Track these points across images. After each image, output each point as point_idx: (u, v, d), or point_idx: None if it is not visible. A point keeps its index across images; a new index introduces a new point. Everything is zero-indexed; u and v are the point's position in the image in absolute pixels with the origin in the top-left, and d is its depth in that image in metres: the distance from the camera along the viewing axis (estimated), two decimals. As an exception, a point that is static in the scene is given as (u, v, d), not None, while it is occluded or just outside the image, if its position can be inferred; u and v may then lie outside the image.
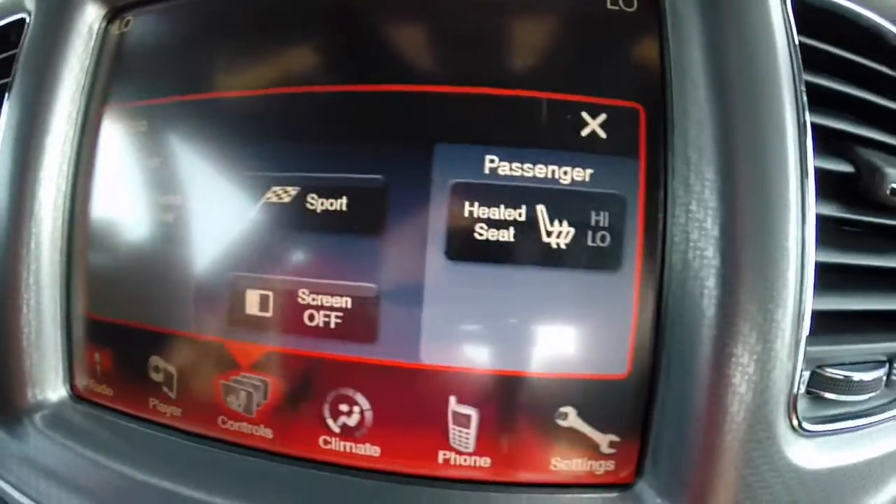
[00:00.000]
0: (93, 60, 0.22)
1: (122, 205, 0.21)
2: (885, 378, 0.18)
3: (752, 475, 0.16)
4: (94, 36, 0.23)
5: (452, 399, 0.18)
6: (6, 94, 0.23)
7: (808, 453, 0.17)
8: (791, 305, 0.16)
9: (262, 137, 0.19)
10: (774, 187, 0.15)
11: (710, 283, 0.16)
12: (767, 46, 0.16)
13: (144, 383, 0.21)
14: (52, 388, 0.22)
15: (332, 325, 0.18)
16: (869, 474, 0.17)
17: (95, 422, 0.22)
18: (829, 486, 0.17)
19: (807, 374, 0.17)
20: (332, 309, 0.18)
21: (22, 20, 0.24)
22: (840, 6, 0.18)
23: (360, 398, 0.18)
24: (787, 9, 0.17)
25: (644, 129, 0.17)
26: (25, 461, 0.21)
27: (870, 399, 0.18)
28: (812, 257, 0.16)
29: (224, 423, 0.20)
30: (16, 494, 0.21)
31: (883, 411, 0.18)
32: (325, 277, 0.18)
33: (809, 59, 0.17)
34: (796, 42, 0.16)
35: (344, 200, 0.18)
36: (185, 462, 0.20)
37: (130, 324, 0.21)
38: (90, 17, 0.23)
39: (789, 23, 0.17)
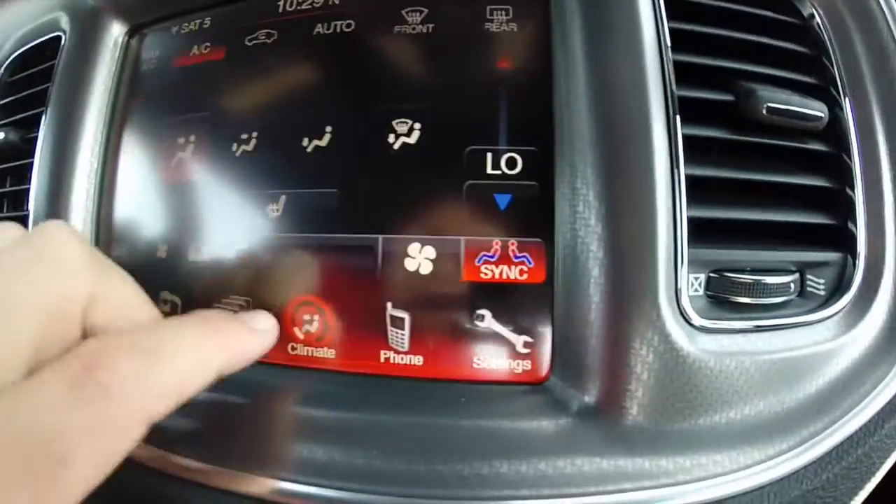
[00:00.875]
0: (118, 69, 0.29)
1: (142, 196, 0.27)
2: (796, 284, 0.20)
3: (645, 365, 0.18)
4: (119, 49, 0.29)
5: (389, 304, 0.21)
6: (47, 97, 0.29)
7: (701, 345, 0.18)
8: (664, 213, 0.18)
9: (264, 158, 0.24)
10: (637, 113, 0.19)
11: (593, 201, 0.19)
12: (636, 36, 0.19)
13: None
14: None
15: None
16: (768, 374, 0.19)
17: None
18: (728, 379, 0.18)
19: (701, 276, 0.20)
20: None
21: (58, 37, 0.30)
22: None
23: (317, 307, 0.22)
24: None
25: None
26: None
27: (783, 305, 0.20)
28: (681, 169, 0.19)
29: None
30: None
31: (792, 315, 0.19)
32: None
33: (693, 14, 0.20)
34: (666, 24, 0.19)
35: None
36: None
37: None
38: (115, 33, 0.29)
39: (659, 5, 0.21)
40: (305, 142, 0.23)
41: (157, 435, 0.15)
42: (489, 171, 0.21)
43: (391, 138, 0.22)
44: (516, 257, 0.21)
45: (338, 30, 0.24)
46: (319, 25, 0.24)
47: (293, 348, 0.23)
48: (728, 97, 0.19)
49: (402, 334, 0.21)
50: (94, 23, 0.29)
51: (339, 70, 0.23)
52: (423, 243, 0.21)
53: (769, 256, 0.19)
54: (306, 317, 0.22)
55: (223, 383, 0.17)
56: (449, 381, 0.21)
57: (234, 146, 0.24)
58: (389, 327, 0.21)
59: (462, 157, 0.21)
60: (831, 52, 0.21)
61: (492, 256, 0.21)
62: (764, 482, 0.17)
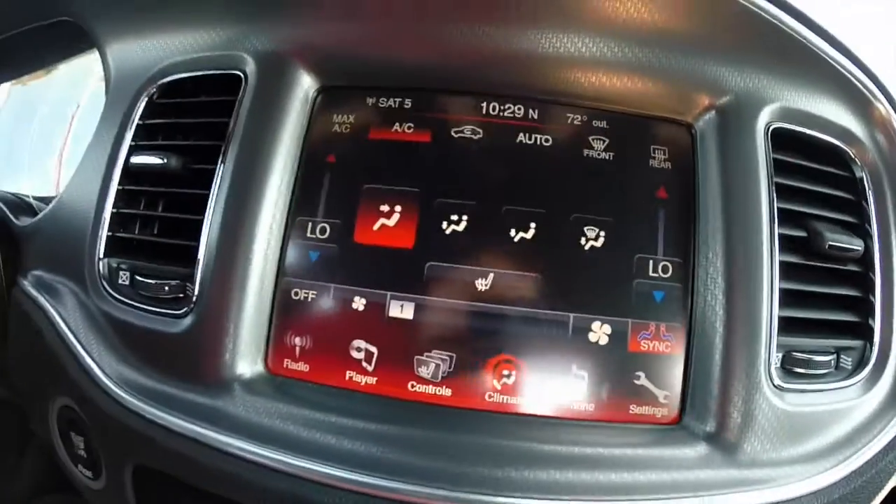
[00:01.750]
0: (307, 123, 0.30)
1: (331, 252, 0.30)
2: (834, 362, 0.30)
3: (749, 410, 0.27)
4: (308, 103, 0.31)
5: (573, 366, 0.28)
6: (229, 133, 0.30)
7: (780, 398, 0.28)
8: (765, 313, 0.28)
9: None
10: (756, 252, 0.28)
11: (720, 299, 0.28)
12: (755, 179, 0.29)
13: (345, 360, 0.29)
14: (250, 363, 0.29)
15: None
16: (818, 421, 0.29)
17: (288, 390, 0.29)
18: (795, 422, 0.28)
19: (780, 355, 0.29)
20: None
21: (235, 76, 0.31)
22: (802, 133, 0.31)
23: (517, 366, 0.28)
24: (768, 148, 0.29)
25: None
26: (226, 417, 0.28)
27: (826, 374, 0.29)
28: (778, 286, 0.28)
29: (413, 387, 0.28)
30: (220, 438, 0.27)
31: (832, 381, 0.29)
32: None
33: (785, 168, 0.30)
34: (773, 179, 0.29)
35: None
36: (379, 420, 0.28)
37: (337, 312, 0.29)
38: (305, 87, 0.31)
39: (770, 160, 0.29)
40: (513, 232, 0.29)
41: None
42: (650, 273, 0.29)
43: (583, 240, 0.29)
44: (664, 336, 0.29)
45: (538, 142, 0.30)
46: (522, 134, 0.30)
47: (490, 396, 0.28)
48: (803, 233, 0.30)
49: (582, 389, 0.28)
50: (283, 71, 0.31)
51: (541, 176, 0.29)
52: (603, 322, 0.28)
53: (819, 343, 0.30)
54: (505, 372, 0.28)
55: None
56: (613, 423, 0.28)
57: (444, 224, 0.29)
58: (572, 382, 0.28)
59: (632, 262, 0.29)
60: (868, 199, 0.31)
61: (648, 335, 0.29)
62: (817, 488, 0.28)
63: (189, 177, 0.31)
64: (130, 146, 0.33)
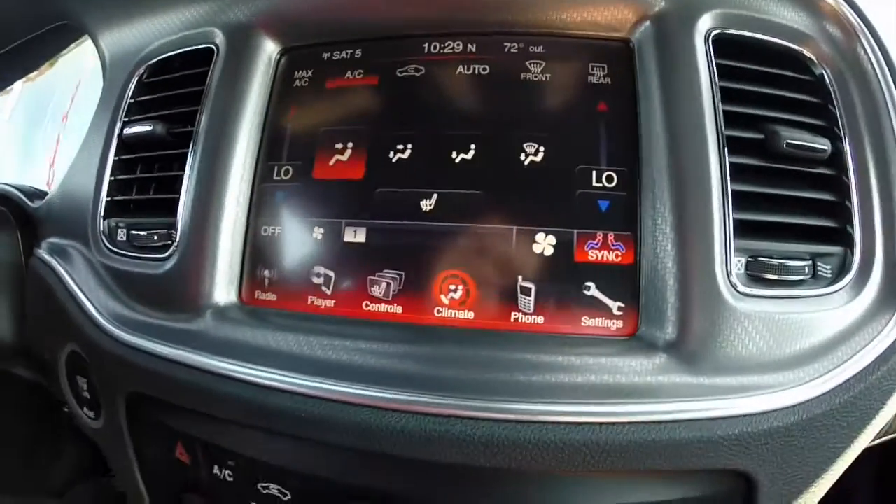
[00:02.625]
0: (271, 81, 0.34)
1: (297, 189, 0.32)
2: (810, 268, 0.27)
3: (708, 319, 0.26)
4: (272, 65, 0.34)
5: (519, 278, 0.29)
6: (204, 100, 0.34)
7: (744, 304, 0.26)
8: (717, 214, 0.27)
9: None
10: (701, 154, 0.27)
11: (668, 205, 0.28)
12: (695, 85, 0.28)
13: (306, 286, 0.31)
14: (224, 295, 0.32)
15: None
16: (792, 329, 0.27)
17: (257, 316, 0.32)
18: (764, 329, 0.26)
19: (742, 260, 0.27)
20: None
21: (208, 49, 0.35)
22: (749, 37, 0.30)
23: (462, 281, 0.29)
24: (710, 54, 0.29)
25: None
26: (199, 338, 0.31)
27: (802, 282, 0.27)
28: (730, 187, 0.27)
29: (367, 306, 0.30)
30: (194, 357, 0.30)
31: (809, 289, 0.27)
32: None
33: (736, 73, 0.29)
34: (717, 84, 0.28)
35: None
36: (335, 336, 0.29)
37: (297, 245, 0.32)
38: (269, 51, 0.34)
39: (713, 67, 0.29)
40: (454, 154, 0.30)
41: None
42: (594, 183, 0.29)
43: (522, 156, 0.30)
44: (613, 245, 0.29)
45: (476, 72, 0.31)
46: (461, 66, 0.32)
47: (439, 311, 0.29)
48: (759, 135, 0.29)
49: (529, 300, 0.29)
50: (248, 40, 0.35)
51: (479, 102, 0.31)
52: (547, 233, 0.29)
53: (789, 248, 0.28)
54: (452, 287, 0.29)
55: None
56: (564, 335, 0.28)
57: (391, 154, 0.31)
58: (519, 295, 0.29)
59: (574, 173, 0.29)
60: (835, 101, 0.29)
61: (596, 244, 0.29)
62: (794, 402, 0.25)
63: (172, 140, 0.36)
64: (123, 121, 0.38)
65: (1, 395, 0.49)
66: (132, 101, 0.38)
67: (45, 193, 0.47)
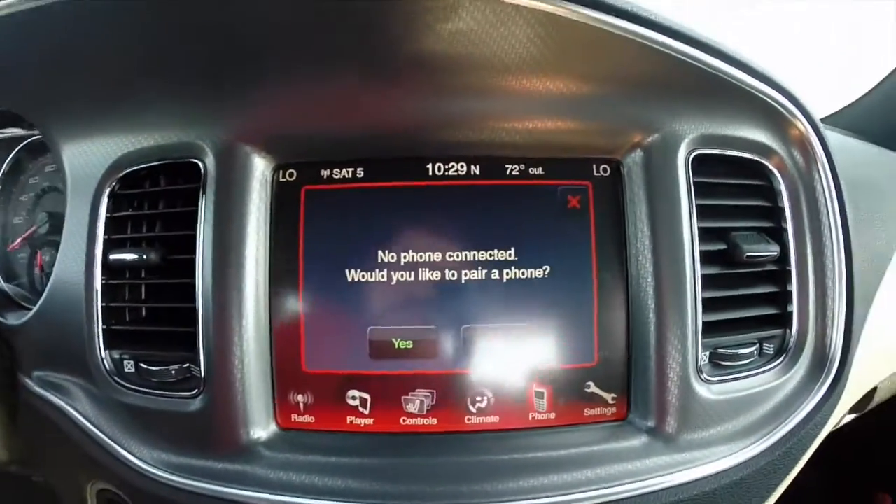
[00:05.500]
0: (268, 201, 0.34)
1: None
2: (757, 350, 0.35)
3: (682, 404, 0.33)
4: (268, 184, 0.34)
5: (533, 385, 0.34)
6: (199, 221, 0.32)
7: (707, 390, 0.33)
8: (690, 321, 0.33)
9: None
10: (681, 270, 0.33)
11: (652, 312, 0.34)
12: (678, 207, 0.33)
13: (342, 408, 0.34)
14: (263, 426, 0.34)
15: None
16: (742, 404, 0.35)
17: (300, 441, 0.34)
18: (721, 408, 0.34)
19: (707, 353, 0.34)
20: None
21: (194, 164, 0.33)
22: (722, 155, 0.35)
23: (488, 392, 0.34)
24: (689, 175, 0.33)
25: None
26: (253, 476, 0.32)
27: (750, 363, 0.35)
28: (700, 297, 0.33)
29: (404, 421, 0.34)
30: (252, 494, 0.32)
31: (754, 369, 0.35)
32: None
33: (706, 189, 0.34)
34: (694, 204, 0.33)
35: None
36: (376, 448, 0.33)
37: (331, 372, 0.34)
38: (262, 167, 0.33)
39: (691, 186, 0.33)
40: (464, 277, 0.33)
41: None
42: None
43: (540, 273, 0.34)
44: (607, 348, 0.35)
45: (479, 192, 0.34)
46: (467, 189, 0.34)
47: (469, 420, 0.34)
48: (723, 246, 0.35)
49: (542, 402, 0.34)
50: (238, 158, 0.33)
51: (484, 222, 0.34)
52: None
53: (740, 338, 0.36)
54: (478, 398, 0.34)
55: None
56: (572, 426, 0.35)
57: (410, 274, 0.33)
58: (535, 399, 0.34)
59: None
60: (787, 207, 0.36)
61: (594, 350, 0.35)
62: (743, 459, 0.34)
63: (167, 266, 0.34)
64: (104, 240, 0.35)
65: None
66: (108, 216, 0.35)
67: (12, 298, 0.42)
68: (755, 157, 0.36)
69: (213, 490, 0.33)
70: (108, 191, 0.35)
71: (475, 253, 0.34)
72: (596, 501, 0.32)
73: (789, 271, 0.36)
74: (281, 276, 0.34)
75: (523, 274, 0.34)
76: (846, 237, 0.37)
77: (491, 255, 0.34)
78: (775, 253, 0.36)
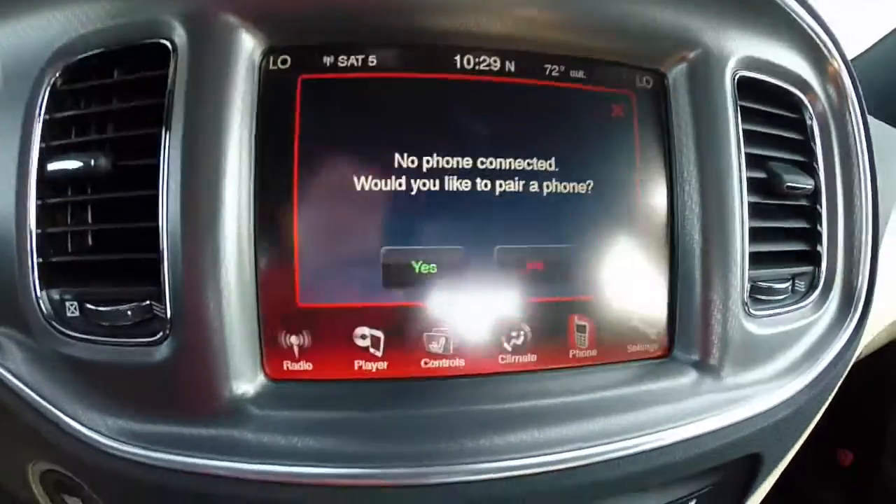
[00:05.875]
0: (255, 92, 0.26)
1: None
2: (790, 287, 0.34)
3: (727, 337, 0.30)
4: (255, 69, 0.27)
5: (574, 317, 0.29)
6: (167, 119, 0.25)
7: (752, 324, 0.31)
8: (739, 250, 0.30)
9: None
10: (728, 195, 0.30)
11: (697, 243, 0.31)
12: (726, 128, 0.30)
13: (349, 349, 0.27)
14: (249, 378, 0.27)
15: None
16: (782, 340, 0.33)
17: (296, 394, 0.27)
18: (764, 343, 0.32)
19: (749, 286, 0.32)
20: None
21: (161, 46, 0.26)
22: (765, 81, 0.33)
23: (524, 327, 0.29)
24: (735, 96, 0.31)
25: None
26: (241, 445, 0.25)
27: (784, 298, 0.34)
28: (747, 225, 0.30)
29: (426, 364, 0.28)
30: (235, 466, 0.25)
31: (789, 305, 0.34)
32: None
33: (748, 113, 0.32)
34: (740, 126, 0.31)
35: None
36: (390, 399, 0.27)
37: (334, 305, 0.27)
38: (249, 49, 0.26)
39: (737, 109, 0.31)
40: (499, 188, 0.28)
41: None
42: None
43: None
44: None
45: (513, 91, 0.29)
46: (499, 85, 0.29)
47: (503, 359, 0.29)
48: (763, 175, 0.33)
49: (584, 337, 0.30)
50: (220, 35, 0.26)
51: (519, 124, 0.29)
52: (600, 272, 0.30)
53: (777, 272, 0.34)
54: (513, 333, 0.29)
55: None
56: (616, 363, 0.30)
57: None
58: (576, 333, 0.30)
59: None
60: (819, 143, 0.35)
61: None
62: (788, 397, 0.32)
63: (121, 175, 0.26)
64: (41, 148, 0.26)
65: None
66: (47, 118, 0.26)
67: None
68: (794, 90, 0.35)
69: (187, 463, 0.25)
70: (47, 84, 0.26)
71: (511, 161, 0.28)
72: (643, 447, 0.28)
73: (820, 208, 0.35)
74: (270, 185, 0.27)
75: (565, 188, 0.29)
76: (873, 176, 0.36)
77: (529, 164, 0.29)
78: (811, 186, 0.34)
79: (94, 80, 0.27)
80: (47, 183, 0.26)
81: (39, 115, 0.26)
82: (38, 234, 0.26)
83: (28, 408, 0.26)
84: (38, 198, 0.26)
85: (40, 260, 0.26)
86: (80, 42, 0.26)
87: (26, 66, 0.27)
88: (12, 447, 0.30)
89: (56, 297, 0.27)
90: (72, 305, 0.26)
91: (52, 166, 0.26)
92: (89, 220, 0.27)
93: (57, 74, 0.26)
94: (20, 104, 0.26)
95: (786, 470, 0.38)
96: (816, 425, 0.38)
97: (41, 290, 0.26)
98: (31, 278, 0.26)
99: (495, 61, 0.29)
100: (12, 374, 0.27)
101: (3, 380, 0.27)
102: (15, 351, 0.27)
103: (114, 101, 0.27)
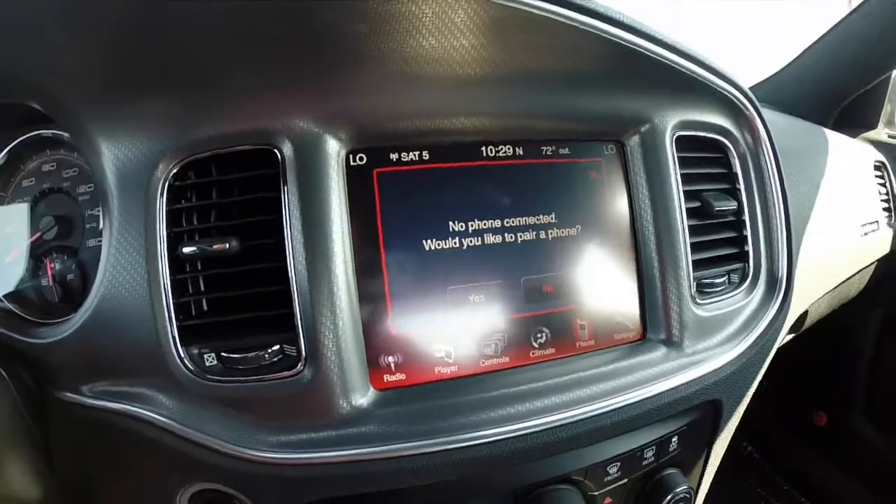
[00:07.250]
0: (344, 182, 0.36)
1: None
2: (727, 280, 0.47)
3: (681, 320, 0.44)
4: (342, 166, 0.36)
5: (577, 320, 0.43)
6: (286, 206, 0.34)
7: (700, 310, 0.45)
8: (684, 260, 0.44)
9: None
10: (674, 223, 0.44)
11: (655, 259, 0.44)
12: (668, 175, 0.44)
13: (430, 361, 0.40)
14: (362, 392, 0.37)
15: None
16: (723, 319, 0.47)
17: (396, 397, 0.39)
18: (710, 322, 0.46)
19: (695, 283, 0.46)
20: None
21: (270, 152, 0.34)
22: (696, 135, 0.47)
23: (545, 330, 0.42)
24: (673, 151, 0.44)
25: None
26: (363, 437, 0.35)
27: (723, 289, 0.47)
28: (689, 242, 0.44)
29: (483, 363, 0.41)
30: (370, 450, 0.35)
31: (727, 293, 0.47)
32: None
33: (684, 161, 0.46)
34: (678, 172, 0.45)
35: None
36: (461, 390, 0.40)
37: (416, 331, 0.40)
38: (335, 151, 0.36)
39: (675, 160, 0.44)
40: (519, 239, 0.41)
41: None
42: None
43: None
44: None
45: (520, 168, 0.42)
46: (514, 168, 0.42)
47: (533, 353, 0.42)
48: (698, 204, 0.47)
49: (585, 332, 0.43)
50: (317, 144, 0.35)
51: (530, 193, 0.42)
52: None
53: (716, 271, 0.48)
54: (538, 335, 0.42)
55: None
56: (606, 349, 0.44)
57: (473, 240, 0.40)
58: (579, 330, 0.43)
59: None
60: (740, 174, 0.49)
61: (619, 287, 0.44)
62: (731, 358, 0.46)
63: (246, 254, 0.35)
64: (169, 234, 0.34)
65: None
66: (168, 209, 0.34)
67: (20, 316, 0.38)
68: (718, 137, 0.49)
69: (326, 457, 0.34)
70: (164, 182, 0.34)
71: (526, 218, 0.42)
72: (634, 399, 0.42)
73: (744, 220, 0.49)
74: (364, 251, 0.38)
75: (563, 233, 0.42)
76: (783, 194, 0.50)
77: (538, 219, 0.42)
78: (734, 207, 0.48)
79: (209, 177, 0.35)
80: (176, 263, 0.34)
81: (160, 207, 0.34)
82: (174, 304, 0.34)
83: (185, 441, 0.34)
84: (171, 274, 0.34)
85: (178, 324, 0.34)
86: (189, 146, 0.34)
87: (139, 169, 0.34)
88: (164, 477, 0.37)
89: (195, 352, 0.34)
90: (209, 357, 0.34)
91: (188, 249, 0.34)
92: (217, 287, 0.35)
93: (172, 172, 0.34)
94: (137, 201, 0.34)
95: (768, 435, 0.53)
96: (792, 391, 0.52)
97: (182, 347, 0.34)
98: (173, 342, 0.33)
99: (508, 148, 0.42)
100: (162, 416, 0.34)
101: (153, 422, 0.34)
102: (160, 400, 0.35)
103: (235, 193, 0.35)
